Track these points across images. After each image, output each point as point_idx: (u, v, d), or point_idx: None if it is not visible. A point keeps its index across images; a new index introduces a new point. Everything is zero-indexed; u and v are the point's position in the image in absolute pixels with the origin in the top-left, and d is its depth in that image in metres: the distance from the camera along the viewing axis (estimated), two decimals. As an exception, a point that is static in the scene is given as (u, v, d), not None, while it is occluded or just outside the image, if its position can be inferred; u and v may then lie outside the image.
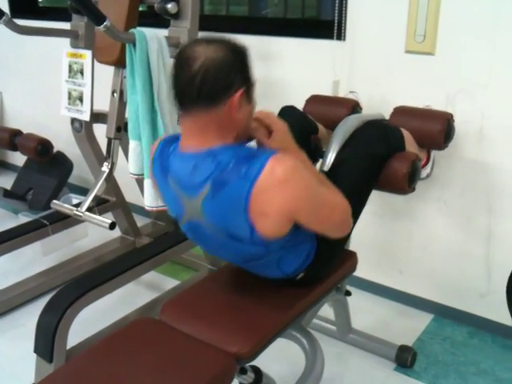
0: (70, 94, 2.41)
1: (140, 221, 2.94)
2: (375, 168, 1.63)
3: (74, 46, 2.38)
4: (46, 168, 3.11)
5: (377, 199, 2.05)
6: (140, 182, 2.27)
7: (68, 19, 2.42)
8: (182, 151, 1.31)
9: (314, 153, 1.76)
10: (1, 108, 3.88)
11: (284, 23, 2.68)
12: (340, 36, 2.18)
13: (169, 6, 2.02)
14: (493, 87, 1.90)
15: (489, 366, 2.00)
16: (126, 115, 2.16)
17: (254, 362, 1.41)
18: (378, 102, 2.14)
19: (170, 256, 2.25)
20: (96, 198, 2.25)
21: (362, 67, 2.18)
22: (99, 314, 2.20)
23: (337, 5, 2.14)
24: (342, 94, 2.22)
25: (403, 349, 2.01)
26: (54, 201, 2.35)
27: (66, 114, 2.46)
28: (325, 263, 1.54)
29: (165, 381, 1.24)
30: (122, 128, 2.25)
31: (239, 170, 1.22)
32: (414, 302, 2.33)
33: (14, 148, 3.09)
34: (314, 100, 2.08)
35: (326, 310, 2.03)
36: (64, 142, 3.03)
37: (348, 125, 1.68)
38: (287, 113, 1.76)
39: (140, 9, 2.17)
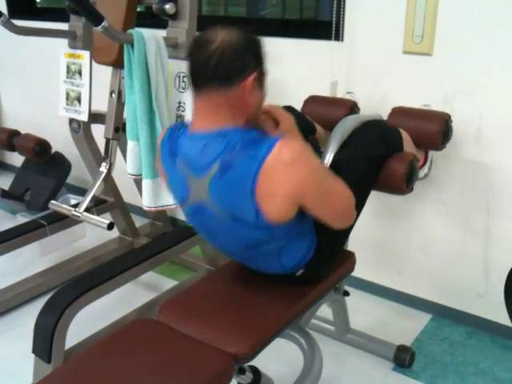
0: (68, 94, 2.41)
1: (138, 221, 2.94)
2: (374, 168, 1.64)
3: (71, 46, 2.38)
4: (44, 168, 3.11)
5: (375, 199, 2.05)
6: (138, 183, 2.27)
7: (66, 20, 2.43)
8: (192, 131, 1.34)
9: (313, 153, 1.76)
10: (-1, 108, 3.89)
11: (282, 24, 2.69)
12: (338, 37, 2.18)
13: (167, 6, 2.02)
14: (491, 87, 1.91)
15: (487, 366, 2.00)
16: (124, 116, 2.16)
17: (253, 362, 1.41)
18: (376, 103, 2.14)
19: (168, 256, 2.25)
20: (94, 198, 2.25)
21: (360, 68, 2.18)
22: (97, 315, 2.20)
23: (335, 6, 2.14)
24: (339, 94, 2.23)
25: (401, 349, 2.01)
26: (52, 201, 2.35)
27: (63, 115, 2.46)
28: (324, 261, 1.54)
29: (163, 381, 1.24)
30: (120, 128, 2.25)
31: (247, 152, 1.24)
32: (412, 302, 2.33)
33: (12, 148, 3.08)
34: (312, 100, 2.08)
35: (325, 310, 2.03)
36: (62, 142, 3.03)
37: (346, 125, 1.68)
38: (285, 113, 1.77)
39: (138, 9, 2.17)
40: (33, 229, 2.52)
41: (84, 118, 2.38)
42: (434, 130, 1.83)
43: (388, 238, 2.33)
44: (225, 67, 1.24)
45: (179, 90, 2.08)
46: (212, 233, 1.47)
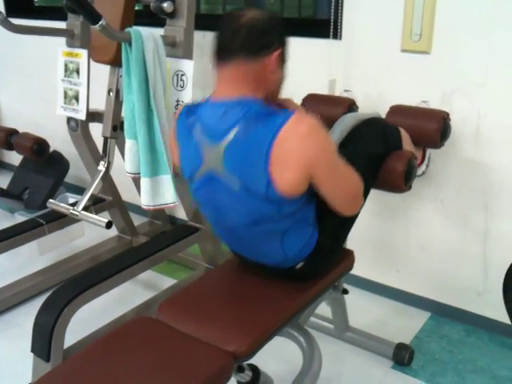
0: (65, 93, 2.41)
1: (137, 220, 2.94)
2: (373, 166, 1.64)
3: (69, 45, 2.38)
4: (42, 167, 3.10)
5: (373, 198, 2.05)
6: (136, 181, 2.27)
7: (64, 18, 2.42)
8: (214, 100, 1.39)
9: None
10: (-3, 107, 3.88)
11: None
12: (336, 35, 2.18)
13: (164, 5, 2.02)
14: (489, 86, 1.91)
15: (486, 364, 2.00)
16: (122, 114, 2.16)
17: (252, 361, 1.41)
18: (374, 101, 2.14)
19: (166, 255, 2.25)
20: (92, 197, 2.25)
21: (358, 66, 2.18)
22: (96, 314, 2.20)
23: (333, 4, 2.14)
24: (338, 92, 2.22)
25: (400, 347, 2.01)
26: (51, 200, 2.34)
27: (61, 113, 2.46)
28: (324, 258, 1.55)
29: (162, 380, 1.24)
30: (118, 127, 2.25)
31: (264, 121, 1.29)
32: (411, 301, 2.33)
33: (10, 147, 3.07)
34: (310, 99, 2.08)
35: (324, 309, 2.03)
36: (60, 141, 3.02)
37: (344, 123, 1.68)
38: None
39: (136, 8, 2.17)
40: (31, 228, 2.52)
41: (82, 116, 2.38)
42: (433, 128, 1.83)
43: (387, 237, 2.33)
44: (253, 39, 1.32)
45: (177, 89, 2.08)
46: (218, 207, 1.46)
